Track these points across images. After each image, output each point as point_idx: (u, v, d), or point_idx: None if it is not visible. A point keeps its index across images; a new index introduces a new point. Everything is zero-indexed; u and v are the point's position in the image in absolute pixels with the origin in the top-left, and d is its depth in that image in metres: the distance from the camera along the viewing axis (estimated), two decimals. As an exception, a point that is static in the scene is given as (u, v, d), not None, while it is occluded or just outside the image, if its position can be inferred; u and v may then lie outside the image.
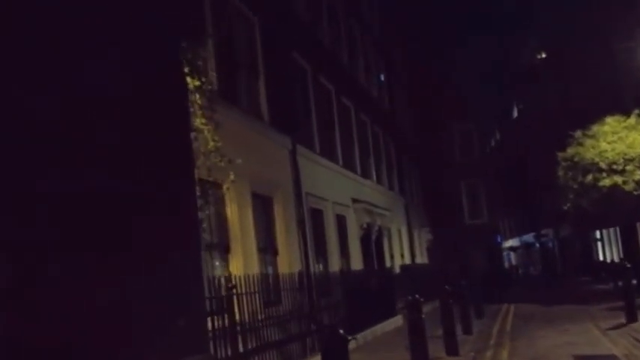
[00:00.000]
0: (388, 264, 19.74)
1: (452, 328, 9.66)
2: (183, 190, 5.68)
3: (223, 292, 7.82)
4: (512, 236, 55.21)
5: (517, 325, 13.28)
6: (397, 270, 20.10)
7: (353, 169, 16.85)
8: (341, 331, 4.04)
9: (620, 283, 20.95)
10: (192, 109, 6.01)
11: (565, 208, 18.78)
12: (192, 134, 6.13)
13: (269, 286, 10.72)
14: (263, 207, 11.23)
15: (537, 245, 49.20)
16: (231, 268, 9.51)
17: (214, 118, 6.13)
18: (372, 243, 17.77)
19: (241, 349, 8.35)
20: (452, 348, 9.57)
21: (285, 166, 12.12)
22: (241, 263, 9.68)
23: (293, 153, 12.27)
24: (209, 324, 7.83)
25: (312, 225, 12.76)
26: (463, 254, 28.50)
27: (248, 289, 9.35)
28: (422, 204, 27.89)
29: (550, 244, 46.83)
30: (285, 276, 11.17)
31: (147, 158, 4.66)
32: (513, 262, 56.15)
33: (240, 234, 9.78)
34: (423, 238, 27.40)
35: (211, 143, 6.04)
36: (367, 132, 19.25)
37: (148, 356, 4.86)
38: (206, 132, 6.03)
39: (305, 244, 12.11)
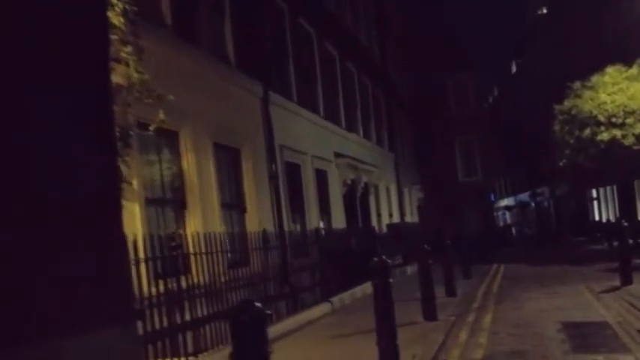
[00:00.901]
0: (375, 223, 18.94)
1: (430, 291, 8.84)
2: (97, 131, 4.72)
3: (166, 253, 6.93)
4: (507, 195, 54.57)
5: (505, 287, 12.53)
6: (384, 230, 19.35)
7: (337, 122, 15.81)
8: (257, 304, 3.11)
9: (615, 244, 20.30)
10: (114, 37, 4.96)
11: (561, 164, 17.87)
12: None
13: (233, 246, 9.88)
14: (229, 159, 10.28)
15: (533, 204, 48.61)
16: (188, 227, 8.61)
17: (139, 45, 5.09)
18: (357, 201, 16.89)
19: (195, 316, 7.56)
20: (430, 312, 8.78)
21: (256, 115, 11.10)
22: (200, 221, 8.76)
23: (265, 101, 11.22)
24: (151, 290, 7.02)
25: (287, 180, 11.83)
26: (456, 213, 27.73)
27: (205, 249, 8.52)
28: (414, 161, 26.89)
29: (545, 204, 46.20)
30: (253, 235, 10.34)
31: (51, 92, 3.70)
32: (508, 221, 55.70)
33: (199, 188, 8.84)
34: (414, 196, 26.54)
35: (135, 75, 5.01)
36: (354, 83, 18.07)
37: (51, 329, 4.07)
38: (130, 62, 4.99)
39: (278, 201, 11.21)
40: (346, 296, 11.65)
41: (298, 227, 12.67)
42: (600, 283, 11.19)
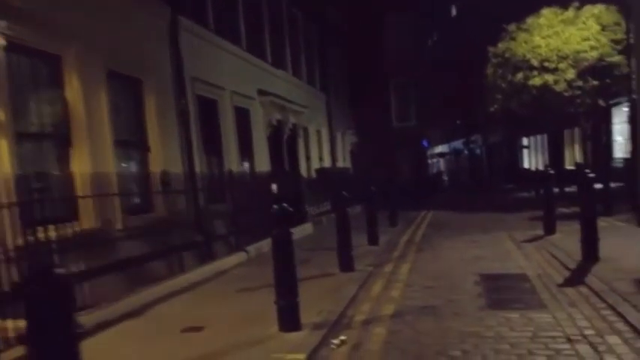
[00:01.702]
0: (304, 168, 18.17)
1: (346, 241, 8.21)
2: None
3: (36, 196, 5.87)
4: (442, 142, 55.15)
5: (428, 235, 12.16)
6: (314, 175, 18.66)
7: (262, 57, 14.60)
8: (59, 271, 2.21)
9: (541, 192, 20.52)
10: None
11: (492, 109, 17.53)
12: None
13: (130, 189, 8.86)
14: (128, 91, 9.08)
15: (466, 152, 49.37)
16: (73, 166, 7.49)
17: None
18: (284, 143, 15.98)
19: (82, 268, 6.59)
20: (345, 263, 8.18)
21: (163, 42, 9.85)
22: (89, 160, 7.65)
23: (173, 27, 9.95)
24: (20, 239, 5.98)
25: (200, 117, 10.73)
26: (389, 159, 27.34)
27: (91, 192, 7.47)
28: (348, 103, 26.07)
29: (478, 151, 46.98)
30: (156, 176, 9.33)
31: None
32: (442, 168, 56.61)
33: (88, 123, 7.68)
34: (347, 141, 25.88)
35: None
36: (282, 14, 16.75)
37: None
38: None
39: (189, 140, 10.15)
40: (265, 245, 10.89)
41: (215, 169, 11.70)
42: (524, 232, 10.95)
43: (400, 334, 5.09)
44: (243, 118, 13.08)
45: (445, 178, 46.62)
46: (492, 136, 40.81)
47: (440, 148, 55.62)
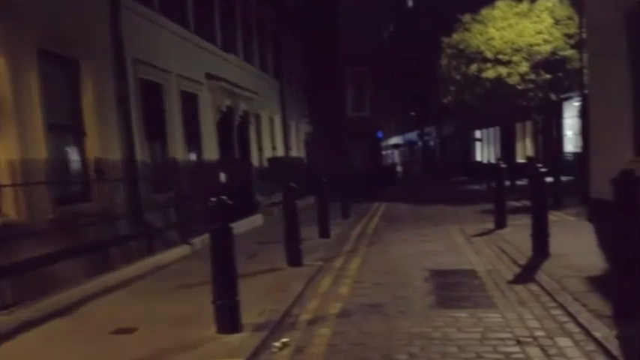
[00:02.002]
0: (256, 157, 17.72)
1: (293, 234, 7.89)
2: None
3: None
4: (397, 134, 55.55)
5: (380, 228, 11.98)
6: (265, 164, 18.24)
7: (211, 40, 14.02)
8: None
9: (493, 185, 20.71)
10: None
11: (445, 101, 17.49)
12: None
13: (62, 177, 8.27)
14: (63, 72, 8.45)
15: (420, 144, 49.86)
16: (-2, 152, 6.88)
17: None
18: (234, 130, 15.48)
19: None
20: (293, 257, 7.87)
21: (101, 20, 9.22)
22: (17, 145, 7.05)
23: (114, 5, 9.33)
24: None
25: (143, 101, 10.16)
26: (343, 149, 27.17)
27: (17, 180, 6.89)
28: (302, 92, 25.64)
29: (432, 143, 47.49)
30: (94, 163, 8.75)
31: None
32: (397, 160, 57.05)
33: (15, 105, 7.06)
34: (301, 129, 25.51)
35: None
36: (234, -3, 16.16)
37: None
38: None
39: (129, 126, 9.57)
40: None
41: (159, 157, 11.15)
42: (475, 226, 10.90)
43: (346, 336, 4.82)
44: (190, 103, 12.53)
45: (399, 169, 46.94)
46: (446, 129, 41.25)
47: (395, 140, 56.00)
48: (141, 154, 9.92)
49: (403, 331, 4.79)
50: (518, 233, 8.91)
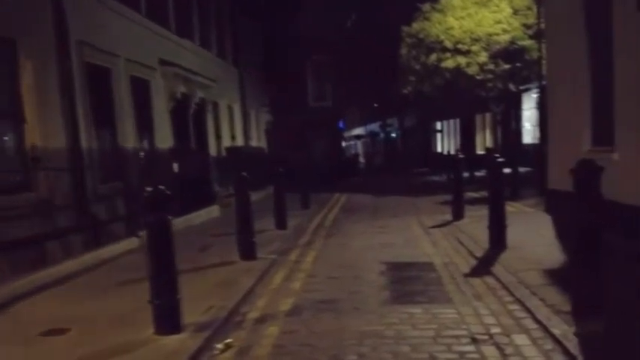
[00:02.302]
0: (213, 146, 17.21)
1: (246, 226, 7.56)
2: None
3: None
4: (359, 125, 55.51)
5: (339, 219, 11.75)
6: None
7: (164, 24, 13.42)
8: None
9: (451, 176, 20.76)
10: None
11: (406, 91, 17.35)
12: None
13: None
14: (-2, 53, 7.83)
15: (382, 135, 49.92)
16: None
17: None
18: (190, 119, 14.95)
19: None
20: (246, 250, 7.54)
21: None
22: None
23: (55, -19, 8.72)
24: None
25: (89, 86, 9.56)
26: (304, 139, 26.82)
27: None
28: (263, 80, 25.11)
29: (394, 134, 47.59)
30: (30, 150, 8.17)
31: None
32: (360, 151, 57.06)
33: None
34: (262, 119, 25.03)
35: None
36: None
37: None
38: None
39: (73, 112, 9.00)
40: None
41: (108, 144, 10.59)
42: (433, 217, 10.77)
43: (294, 335, 4.53)
44: (141, 89, 11.95)
45: (362, 160, 46.89)
46: (408, 120, 41.34)
47: (357, 131, 55.96)
48: (87, 141, 9.35)
49: (355, 330, 4.53)
50: (476, 224, 8.80)
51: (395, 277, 6.19)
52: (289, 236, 9.63)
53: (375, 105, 45.62)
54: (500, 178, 7.23)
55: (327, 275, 6.56)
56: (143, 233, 9.40)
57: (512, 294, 5.11)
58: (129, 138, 11.14)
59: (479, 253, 6.94)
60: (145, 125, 12.09)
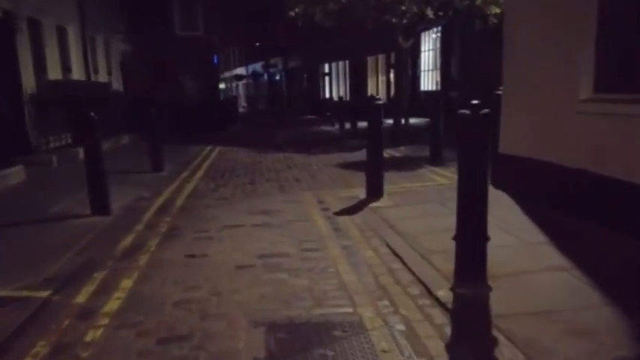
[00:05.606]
0: (32, 80, 12.44)
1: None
2: None
3: None
4: (241, 64, 50.93)
5: (200, 195, 7.93)
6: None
7: None
8: None
9: (348, 126, 17.74)
10: None
11: (292, 14, 13.67)
12: None
13: None
14: None
15: (266, 76, 45.95)
16: None
17: None
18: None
19: None
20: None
21: None
22: None
23: None
24: None
25: None
26: (172, 75, 22.18)
27: None
28: (118, 1, 19.84)
29: (278, 77, 43.80)
30: None
31: None
32: (241, 93, 52.52)
33: None
34: (115, 49, 19.92)
35: None
36: None
37: None
38: None
39: None
40: None
41: None
42: (337, 192, 7.42)
43: None
44: None
45: (243, 104, 42.72)
46: (293, 61, 37.63)
47: (238, 70, 51.29)
48: None
49: None
50: (407, 211, 5.59)
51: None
52: (108, 230, 5.85)
53: (258, 44, 41.28)
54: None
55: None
56: None
57: None
58: None
59: (441, 294, 3.61)
60: None
